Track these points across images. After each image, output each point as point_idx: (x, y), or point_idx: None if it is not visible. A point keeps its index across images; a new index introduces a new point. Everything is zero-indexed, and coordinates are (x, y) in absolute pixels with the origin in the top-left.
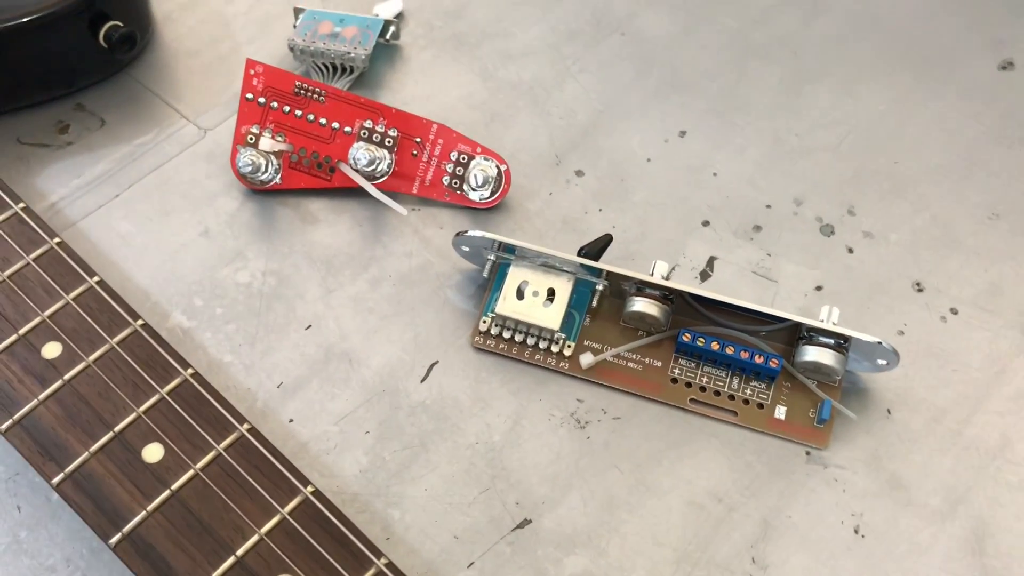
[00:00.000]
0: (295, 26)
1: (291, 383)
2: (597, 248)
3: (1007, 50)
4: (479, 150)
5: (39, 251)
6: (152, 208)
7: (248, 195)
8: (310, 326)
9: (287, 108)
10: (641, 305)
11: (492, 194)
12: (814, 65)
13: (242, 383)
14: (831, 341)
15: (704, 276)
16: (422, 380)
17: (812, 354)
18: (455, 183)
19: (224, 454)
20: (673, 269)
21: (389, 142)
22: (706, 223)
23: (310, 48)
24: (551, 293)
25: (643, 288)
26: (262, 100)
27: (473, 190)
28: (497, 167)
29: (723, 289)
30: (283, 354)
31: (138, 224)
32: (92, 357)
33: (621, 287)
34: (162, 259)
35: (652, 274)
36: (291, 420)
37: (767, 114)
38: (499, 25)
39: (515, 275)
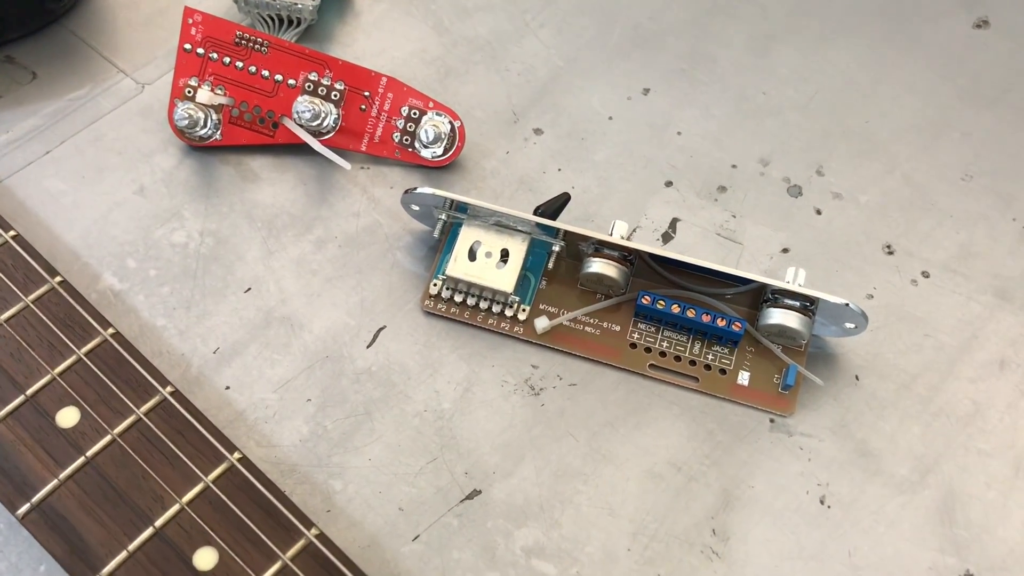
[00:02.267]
0: None
1: (228, 349)
2: (554, 207)
3: (981, 8)
4: (431, 105)
5: None
6: (84, 165)
7: (186, 152)
8: (249, 289)
9: (227, 60)
10: (598, 266)
11: (445, 152)
12: (782, 22)
13: (176, 348)
14: (797, 303)
15: (666, 238)
16: (368, 346)
17: (777, 317)
18: (406, 140)
19: (144, 419)
20: (634, 231)
21: (335, 96)
22: (669, 183)
23: None
24: (504, 254)
25: (601, 248)
26: (201, 51)
27: (425, 147)
28: (450, 123)
29: (686, 251)
30: (220, 318)
31: (69, 182)
32: (4, 316)
33: (579, 248)
34: (93, 218)
35: (611, 234)
36: (227, 387)
37: (733, 72)
38: None
39: (467, 235)
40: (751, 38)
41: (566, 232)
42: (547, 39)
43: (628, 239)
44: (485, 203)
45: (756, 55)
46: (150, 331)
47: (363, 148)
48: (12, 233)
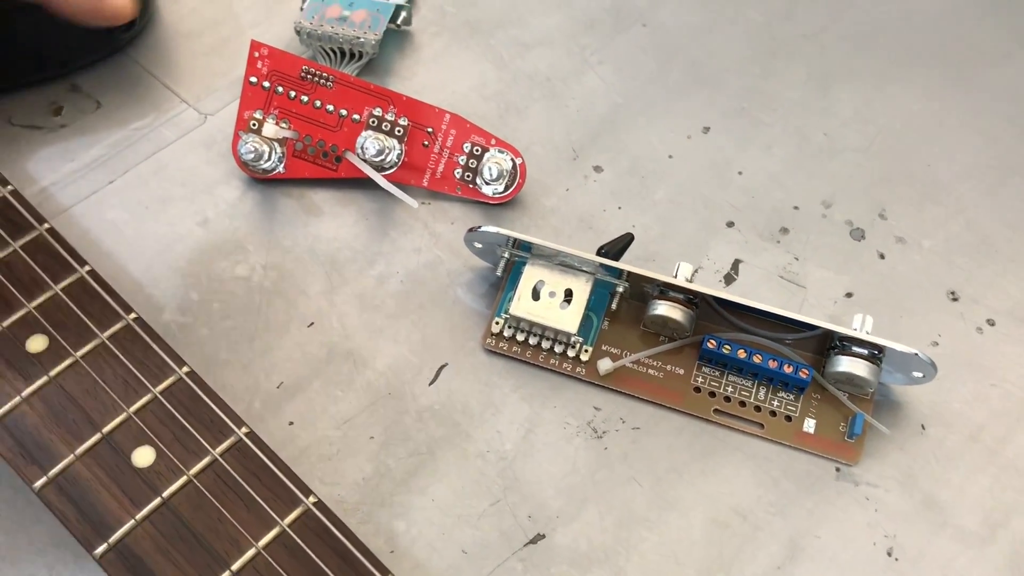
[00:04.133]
0: (302, 8)
1: (291, 383)
2: (618, 248)
3: None
4: (493, 142)
5: (26, 238)
6: (148, 196)
7: (249, 184)
8: (312, 323)
9: (292, 93)
10: (664, 309)
11: (506, 188)
12: (842, 62)
13: (239, 382)
14: (864, 351)
15: (729, 279)
16: (430, 383)
17: (845, 364)
18: (467, 176)
19: (220, 460)
20: (696, 271)
21: (399, 131)
22: (731, 224)
23: (317, 32)
24: (568, 294)
25: (666, 291)
26: (267, 84)
27: (486, 184)
28: (512, 160)
29: (749, 294)
30: (283, 352)
31: (133, 212)
32: (80, 352)
33: (642, 289)
34: (157, 250)
35: (675, 276)
36: (291, 423)
37: (794, 112)
38: (514, 12)
39: (530, 274)
40: (811, 77)
41: (630, 273)
42: (607, 75)
43: (692, 281)
44: (549, 243)
45: (816, 94)
46: (214, 365)
47: (425, 183)
48: (87, 268)
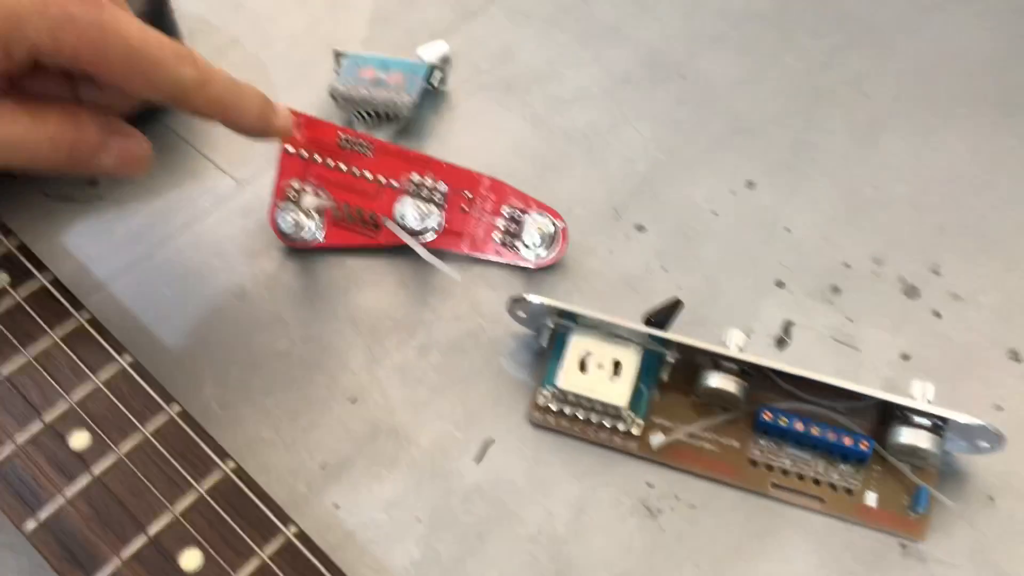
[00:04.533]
0: (336, 71)
1: (336, 463)
2: (666, 315)
3: None
4: (534, 205)
5: (67, 328)
6: (185, 269)
7: (287, 254)
8: (355, 399)
9: (331, 162)
10: (717, 381)
11: (548, 253)
12: (888, 109)
13: (283, 463)
14: (927, 422)
15: (781, 343)
16: (476, 460)
17: (907, 436)
18: (508, 240)
19: (269, 562)
20: (747, 336)
21: (438, 197)
22: (780, 284)
23: (353, 96)
24: (617, 366)
25: (719, 361)
26: (304, 153)
27: (527, 248)
28: (553, 224)
29: (802, 359)
30: (326, 430)
31: (171, 286)
32: (124, 449)
33: (694, 358)
34: (195, 324)
35: (726, 344)
36: (336, 506)
37: (840, 163)
38: (549, 68)
39: (577, 345)
40: (856, 127)
41: (680, 343)
42: (646, 130)
43: (743, 350)
44: (595, 313)
45: (863, 144)
46: (257, 444)
47: (464, 248)
48: (128, 359)
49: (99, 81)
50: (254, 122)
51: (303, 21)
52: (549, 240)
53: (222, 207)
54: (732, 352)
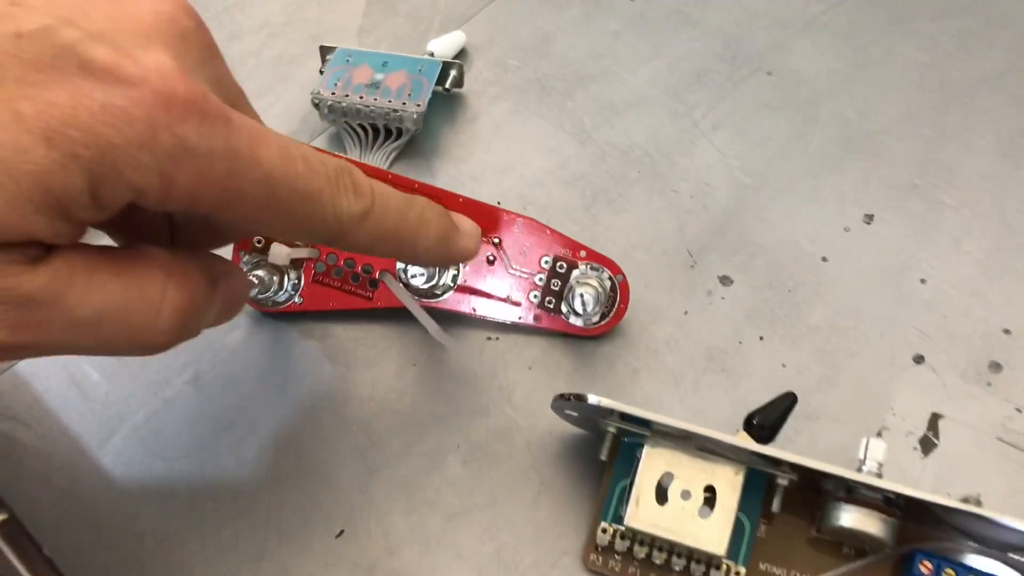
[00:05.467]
0: (322, 72)
1: None
2: (774, 416)
3: None
4: (583, 255)
5: None
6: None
7: (256, 321)
8: (342, 532)
9: None
10: (854, 519)
11: (602, 316)
12: None
13: None
14: None
15: (926, 445)
16: None
17: None
18: (549, 301)
19: None
20: (879, 435)
21: None
22: (919, 359)
23: (341, 104)
24: (710, 493)
25: (853, 489)
26: None
27: (576, 313)
28: (610, 279)
29: (955, 465)
30: (304, 574)
31: (101, 367)
32: None
33: (816, 478)
34: (133, 424)
35: (863, 460)
36: None
37: (985, 188)
38: (597, 64)
39: (652, 463)
40: (1004, 140)
41: (798, 464)
42: (724, 144)
43: (883, 464)
44: (680, 423)
45: (1014, 163)
46: None
47: (489, 313)
48: (3, 516)
49: (220, 224)
50: (433, 253)
51: (280, 4)
52: (604, 300)
53: None
54: (873, 480)
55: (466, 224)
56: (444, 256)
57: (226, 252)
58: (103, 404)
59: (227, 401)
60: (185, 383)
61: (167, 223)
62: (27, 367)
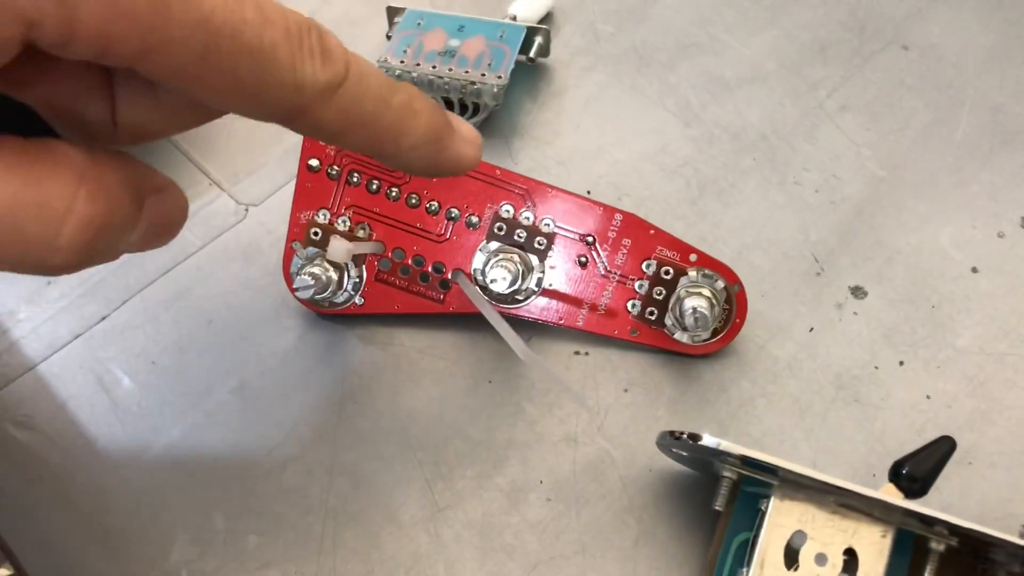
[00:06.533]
0: (389, 36)
1: None
2: (929, 465)
3: None
4: (694, 258)
5: None
6: (156, 342)
7: (311, 322)
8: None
9: (374, 184)
10: None
11: (713, 333)
12: None
13: None
14: None
15: None
16: None
17: None
18: (651, 312)
19: None
20: None
21: (540, 243)
22: None
23: (411, 75)
24: (851, 557)
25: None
26: (334, 170)
27: (682, 328)
28: (725, 288)
29: None
30: None
31: (132, 370)
32: None
33: (975, 542)
34: (169, 440)
35: None
36: None
37: None
38: (703, 32)
39: (781, 518)
40: None
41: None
42: (854, 130)
43: None
44: (815, 473)
45: None
46: None
47: (580, 323)
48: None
49: (155, 82)
50: (420, 155)
51: None
52: (716, 313)
53: (218, 242)
54: None
55: (465, 128)
56: (433, 160)
57: (280, 215)
58: (135, 415)
59: (275, 416)
60: (229, 393)
61: (107, 100)
62: (50, 368)
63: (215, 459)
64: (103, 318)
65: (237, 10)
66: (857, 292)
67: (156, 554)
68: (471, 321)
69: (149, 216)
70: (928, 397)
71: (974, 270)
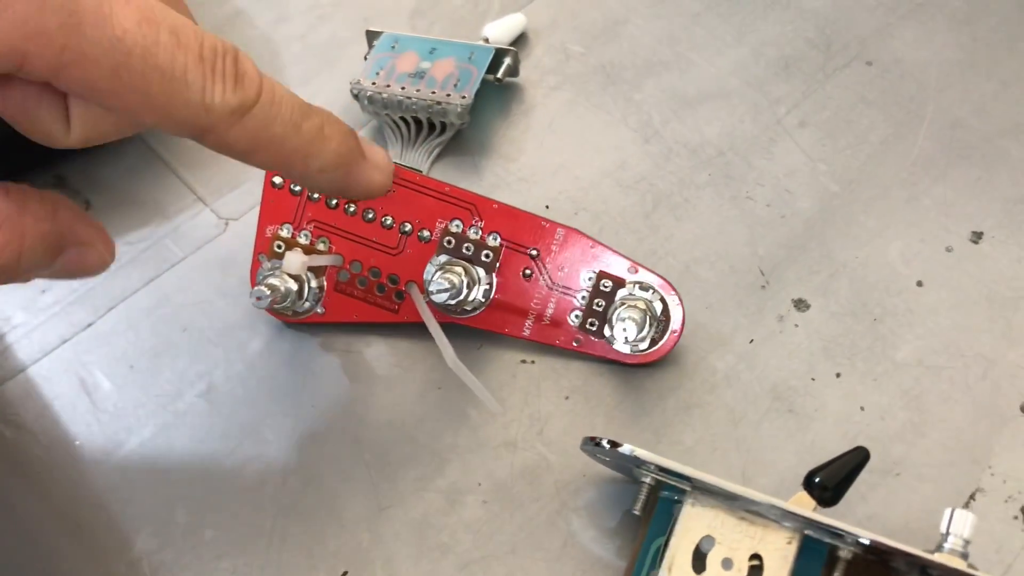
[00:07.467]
0: (366, 58)
1: None
2: (841, 475)
3: None
4: (634, 270)
5: None
6: (136, 347)
7: (276, 330)
8: (345, 574)
9: (333, 200)
10: None
11: (652, 343)
12: None
13: None
14: None
15: None
16: None
17: None
18: (592, 323)
19: None
20: (972, 499)
21: (487, 255)
22: None
23: (382, 96)
24: (756, 562)
25: (928, 572)
26: (296, 187)
27: (623, 340)
28: (662, 300)
29: None
30: None
31: (113, 374)
32: None
33: (884, 553)
34: (140, 439)
35: (945, 536)
36: None
37: None
38: (672, 50)
39: (690, 523)
40: None
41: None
42: (810, 146)
43: (970, 541)
44: (719, 480)
45: None
46: None
47: (526, 333)
48: None
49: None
50: (329, 178)
51: None
52: (655, 325)
53: (198, 254)
54: (953, 559)
55: (377, 155)
56: (342, 184)
57: (253, 232)
58: (112, 415)
59: (238, 418)
60: (197, 396)
61: (60, 104)
62: (39, 371)
63: (181, 457)
64: (89, 325)
65: (150, 33)
66: (800, 305)
67: (121, 545)
68: (425, 330)
69: (63, 263)
70: (862, 408)
71: (919, 284)
